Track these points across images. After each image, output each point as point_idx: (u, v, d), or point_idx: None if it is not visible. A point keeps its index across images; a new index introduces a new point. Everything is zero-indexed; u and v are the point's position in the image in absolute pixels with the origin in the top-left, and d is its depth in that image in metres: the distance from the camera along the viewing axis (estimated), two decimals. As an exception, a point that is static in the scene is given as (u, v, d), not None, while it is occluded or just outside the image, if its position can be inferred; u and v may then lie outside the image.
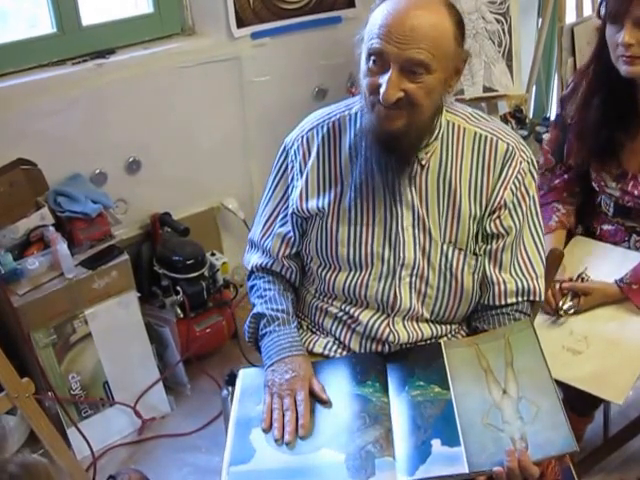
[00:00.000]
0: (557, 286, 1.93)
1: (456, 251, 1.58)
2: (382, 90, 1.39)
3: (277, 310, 1.64)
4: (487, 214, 1.56)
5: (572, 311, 1.89)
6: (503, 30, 2.69)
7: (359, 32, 1.48)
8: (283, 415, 1.44)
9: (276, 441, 1.40)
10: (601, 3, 1.82)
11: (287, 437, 1.40)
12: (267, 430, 1.43)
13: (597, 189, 2.06)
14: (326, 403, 1.47)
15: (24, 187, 2.31)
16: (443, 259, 1.58)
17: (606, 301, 1.91)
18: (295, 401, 1.47)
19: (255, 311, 1.66)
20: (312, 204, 1.60)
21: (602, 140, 1.93)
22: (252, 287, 1.73)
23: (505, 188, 1.55)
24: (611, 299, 1.90)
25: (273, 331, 1.60)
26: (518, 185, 1.56)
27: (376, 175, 1.53)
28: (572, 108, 2.03)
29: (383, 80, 1.39)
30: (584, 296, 1.90)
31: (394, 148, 1.47)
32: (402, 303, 1.59)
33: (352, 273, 1.61)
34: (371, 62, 1.41)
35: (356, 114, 1.59)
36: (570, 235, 2.11)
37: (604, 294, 1.90)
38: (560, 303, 1.90)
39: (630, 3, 1.71)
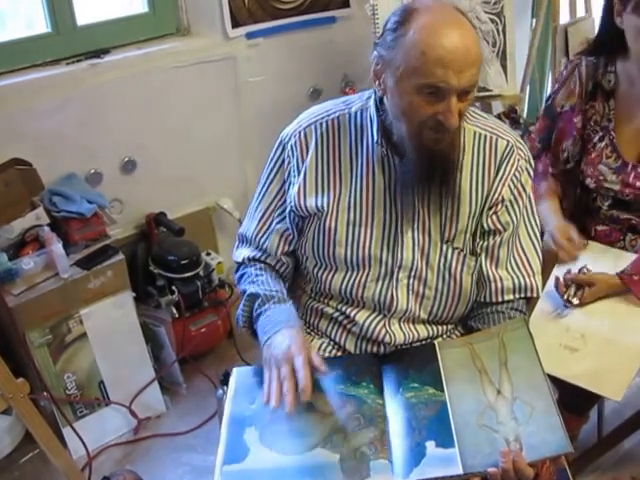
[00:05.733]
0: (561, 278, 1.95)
1: (455, 251, 1.58)
2: (448, 121, 1.39)
3: (272, 290, 1.60)
4: (485, 210, 1.57)
5: (577, 302, 1.90)
6: (497, 30, 2.69)
7: (380, 51, 1.44)
8: (281, 386, 1.40)
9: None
10: None
11: (288, 407, 1.36)
12: (266, 403, 1.39)
13: (593, 186, 2.06)
14: (324, 373, 1.43)
15: (19, 187, 2.30)
16: (442, 260, 1.58)
17: (609, 292, 1.92)
18: (293, 369, 1.41)
19: (249, 292, 1.62)
20: (311, 202, 1.59)
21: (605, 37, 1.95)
22: (242, 275, 1.69)
23: (503, 185, 1.56)
24: (614, 290, 1.91)
25: (269, 309, 1.56)
26: (515, 182, 1.57)
27: (410, 190, 1.53)
28: (563, 97, 2.04)
29: (442, 109, 1.38)
30: (588, 287, 1.91)
31: (441, 164, 1.48)
32: (399, 305, 1.59)
33: (349, 273, 1.61)
34: (426, 94, 1.38)
35: (356, 113, 1.59)
36: None
37: (607, 284, 1.91)
38: (565, 295, 1.91)
39: None
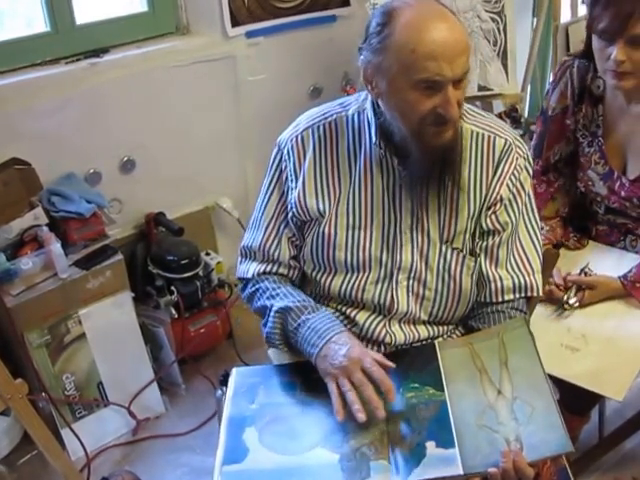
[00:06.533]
0: (555, 279, 1.94)
1: (455, 252, 1.57)
2: (448, 112, 1.38)
3: (302, 300, 1.58)
4: (484, 210, 1.56)
5: (577, 305, 1.89)
6: (498, 29, 2.69)
7: (367, 56, 1.42)
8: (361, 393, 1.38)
9: (364, 424, 1.34)
10: (593, 17, 1.78)
11: (378, 414, 1.34)
12: (343, 419, 1.36)
13: (583, 190, 2.06)
14: (392, 367, 1.42)
15: (18, 187, 2.30)
16: (442, 261, 1.57)
17: (610, 295, 1.91)
18: (365, 371, 1.39)
19: (277, 307, 1.57)
20: (312, 206, 1.57)
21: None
22: (255, 292, 1.65)
23: (502, 184, 1.55)
24: (615, 293, 1.91)
25: (307, 320, 1.52)
26: (514, 181, 1.56)
27: (416, 189, 1.52)
28: (555, 99, 2.02)
29: (440, 102, 1.37)
30: (589, 290, 1.90)
31: (444, 156, 1.47)
32: (399, 306, 1.59)
33: (349, 276, 1.60)
34: (422, 89, 1.37)
35: (353, 115, 1.58)
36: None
37: (608, 288, 1.91)
38: (565, 297, 1.90)
39: (627, 23, 1.69)
